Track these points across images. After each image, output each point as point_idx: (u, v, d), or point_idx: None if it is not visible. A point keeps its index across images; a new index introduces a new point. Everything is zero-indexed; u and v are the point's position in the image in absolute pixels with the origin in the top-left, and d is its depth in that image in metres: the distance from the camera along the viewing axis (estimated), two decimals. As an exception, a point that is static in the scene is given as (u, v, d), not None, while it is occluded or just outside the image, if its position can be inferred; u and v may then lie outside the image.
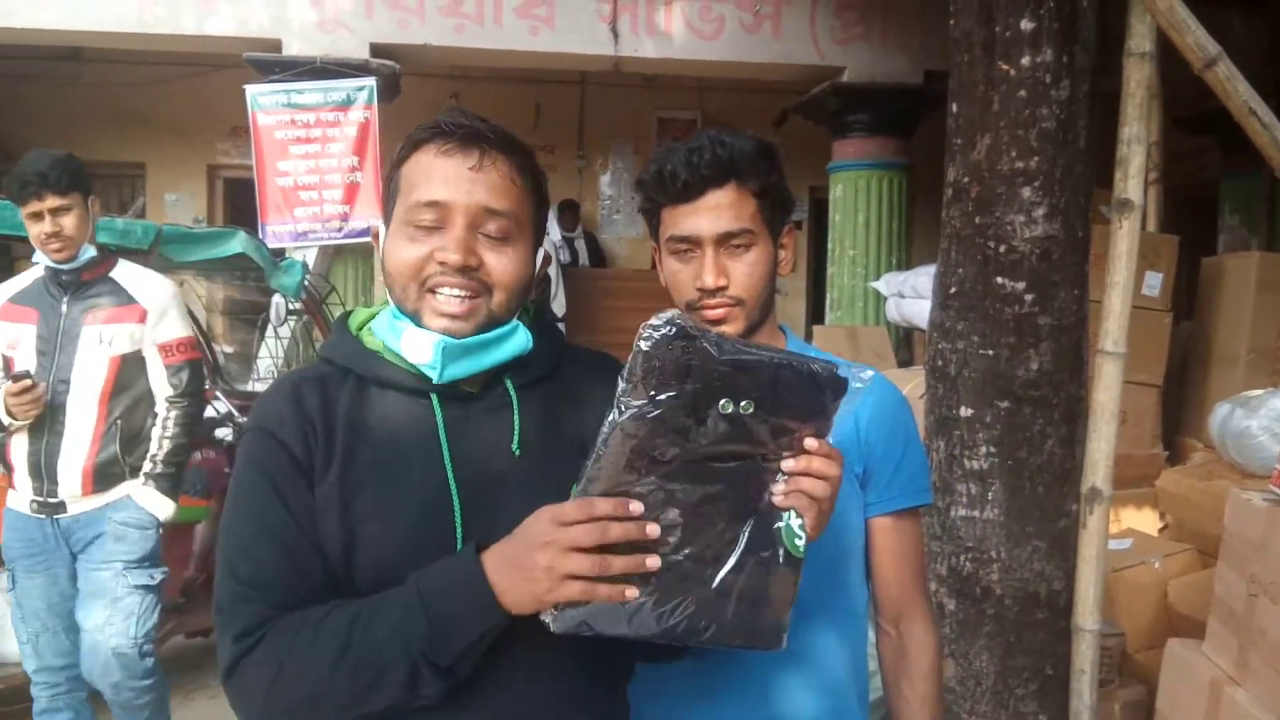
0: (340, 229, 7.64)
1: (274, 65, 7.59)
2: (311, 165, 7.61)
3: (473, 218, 1.30)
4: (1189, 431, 5.70)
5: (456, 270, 1.29)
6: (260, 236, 7.62)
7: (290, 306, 5.62)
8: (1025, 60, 2.84)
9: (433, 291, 1.31)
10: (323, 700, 1.22)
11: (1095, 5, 2.89)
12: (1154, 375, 5.40)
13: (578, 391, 1.44)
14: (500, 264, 1.32)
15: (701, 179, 1.56)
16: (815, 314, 11.03)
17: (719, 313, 1.60)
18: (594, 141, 11.69)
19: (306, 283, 5.37)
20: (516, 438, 1.37)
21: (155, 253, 4.50)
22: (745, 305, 1.61)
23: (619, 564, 1.14)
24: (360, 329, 1.44)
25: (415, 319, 1.33)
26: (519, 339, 1.38)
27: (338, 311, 7.80)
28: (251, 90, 7.55)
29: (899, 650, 1.69)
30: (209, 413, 5.36)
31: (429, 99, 10.67)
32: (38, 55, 10.03)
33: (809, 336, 8.98)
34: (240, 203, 10.52)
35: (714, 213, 1.58)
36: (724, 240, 1.58)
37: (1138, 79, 2.95)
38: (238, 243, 4.83)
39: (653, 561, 1.15)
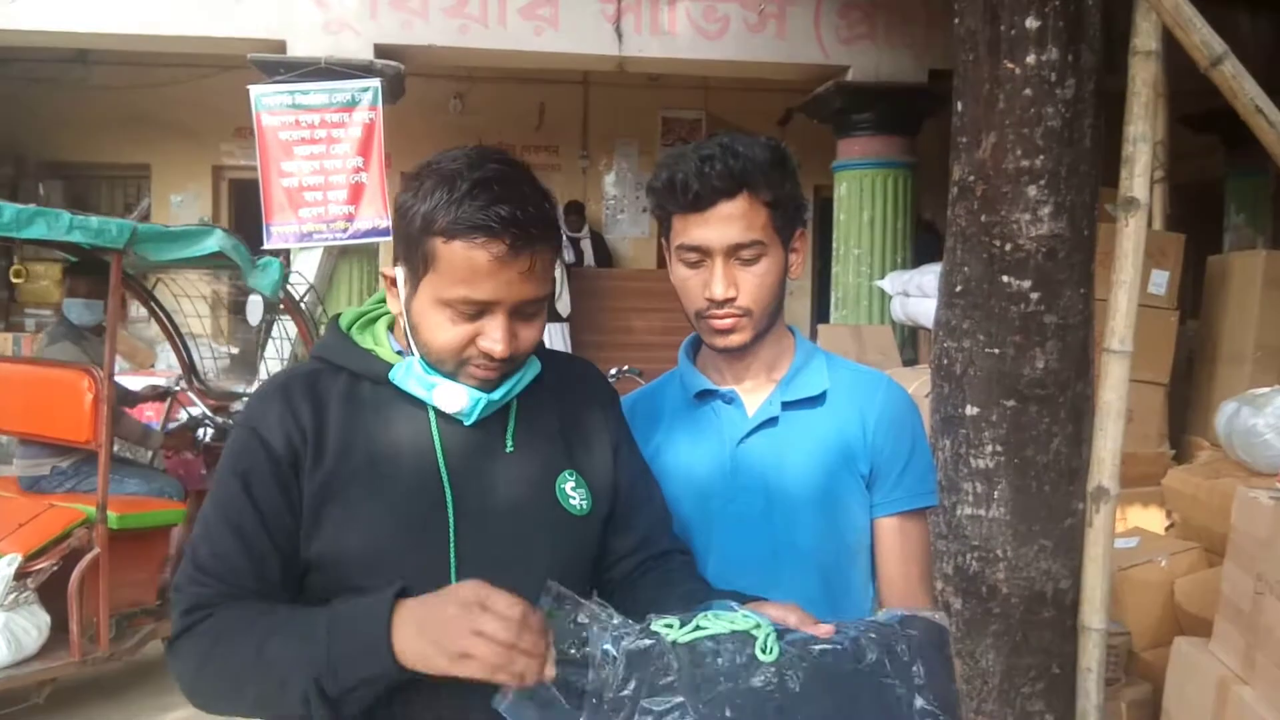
0: (345, 230, 7.64)
1: (279, 66, 7.60)
2: (316, 166, 7.62)
3: (514, 308, 1.33)
4: (1195, 430, 5.70)
5: (498, 357, 1.33)
6: (265, 237, 7.66)
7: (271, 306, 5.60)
8: (1030, 59, 2.84)
9: (471, 364, 1.35)
10: (239, 691, 1.27)
11: (1100, 3, 2.89)
12: (1160, 374, 5.39)
13: (560, 394, 1.51)
14: (531, 334, 1.37)
15: (713, 190, 1.54)
16: (820, 313, 11.02)
17: (727, 323, 1.60)
18: (598, 141, 11.70)
19: (286, 283, 5.31)
20: (510, 433, 1.42)
21: (130, 251, 4.50)
22: (753, 316, 1.60)
23: (520, 664, 1.15)
24: (350, 328, 1.47)
25: (449, 376, 1.37)
26: (532, 369, 1.45)
27: (320, 311, 7.83)
28: (256, 91, 7.56)
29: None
30: (183, 415, 5.38)
31: (433, 99, 10.69)
32: (45, 58, 10.06)
33: (814, 335, 8.98)
34: (245, 204, 10.55)
35: (725, 223, 1.56)
36: (734, 251, 1.57)
37: (1143, 77, 2.95)
38: (214, 241, 4.74)
39: (549, 672, 1.16)
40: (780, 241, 1.61)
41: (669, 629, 1.20)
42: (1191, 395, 5.89)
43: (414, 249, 1.32)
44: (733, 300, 1.58)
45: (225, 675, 1.27)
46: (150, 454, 5.47)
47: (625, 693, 1.14)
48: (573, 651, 1.19)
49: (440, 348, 1.34)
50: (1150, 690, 3.54)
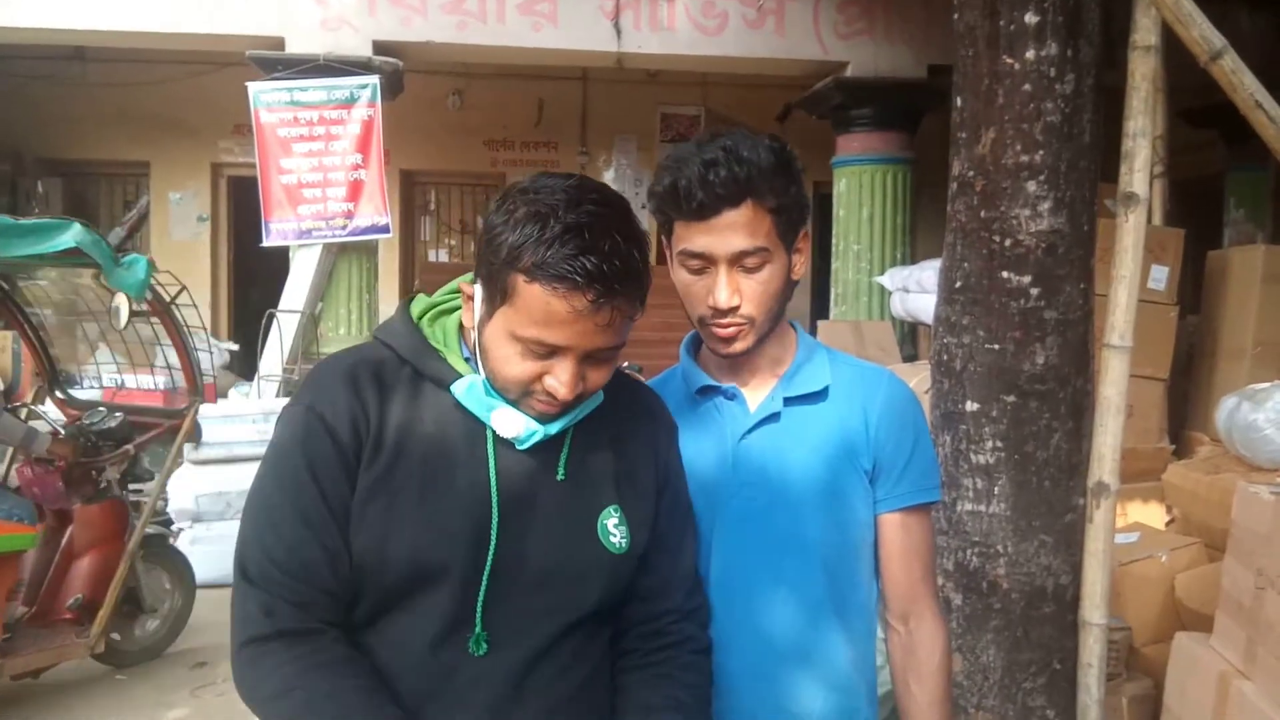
0: (344, 227, 7.64)
1: (277, 63, 7.60)
2: (315, 163, 7.61)
3: (588, 354, 1.32)
4: (1195, 425, 5.70)
5: (561, 399, 1.32)
6: (265, 234, 7.65)
7: (135, 308, 5.15)
8: (1030, 54, 2.83)
9: (536, 400, 1.34)
10: None
11: (1100, -2, 2.89)
12: (1160, 369, 5.39)
13: (619, 425, 1.49)
14: (599, 378, 1.36)
15: (717, 198, 1.51)
16: (820, 309, 11.02)
17: (730, 331, 1.58)
18: (597, 137, 11.70)
19: (153, 281, 4.96)
20: (564, 462, 1.40)
21: None
22: (756, 322, 1.59)
23: None
24: (421, 318, 1.45)
25: (511, 403, 1.35)
26: (594, 401, 1.43)
27: (319, 308, 7.82)
28: (254, 88, 7.56)
29: (907, 647, 1.69)
30: (42, 425, 5.04)
31: (432, 96, 10.68)
32: (43, 55, 10.05)
33: (813, 331, 8.98)
34: (244, 201, 10.54)
35: (728, 232, 1.53)
36: (738, 259, 1.55)
37: (1143, 72, 2.95)
38: (71, 236, 4.38)
39: None
40: (784, 246, 1.59)
41: None
42: (1191, 390, 5.89)
43: (495, 277, 1.30)
44: (736, 309, 1.56)
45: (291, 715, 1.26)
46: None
47: None
48: None
49: (507, 378, 1.32)
50: (1151, 685, 3.54)
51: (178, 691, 4.57)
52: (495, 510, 1.33)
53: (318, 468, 1.30)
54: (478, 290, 1.35)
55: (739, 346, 1.60)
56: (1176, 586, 3.78)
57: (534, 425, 1.34)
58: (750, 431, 1.64)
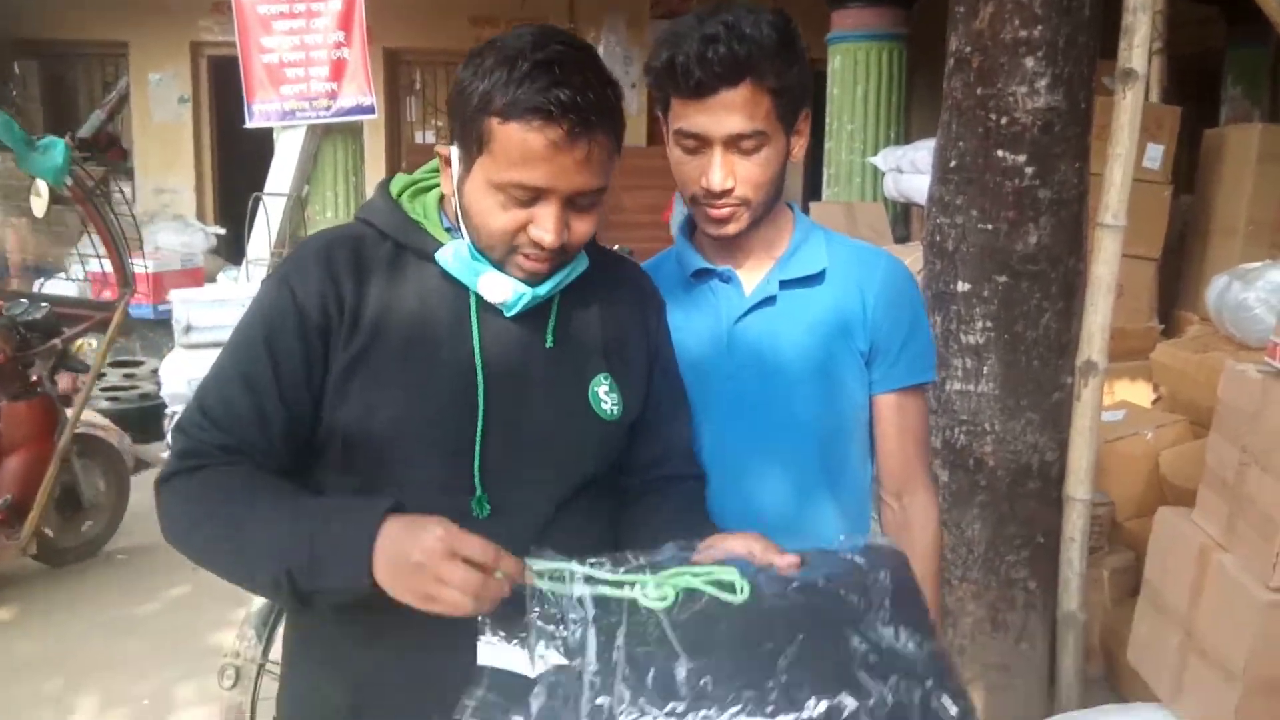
0: (328, 107, 7.49)
1: (255, -64, 7.36)
2: (296, 41, 7.42)
3: (570, 198, 1.30)
4: (1185, 304, 5.72)
5: (548, 247, 1.30)
6: (248, 116, 7.51)
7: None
8: (1031, -77, 2.76)
9: (521, 253, 1.32)
10: (211, 553, 1.30)
11: None
12: (1152, 248, 5.39)
13: (607, 298, 1.48)
14: (585, 228, 1.34)
15: (715, 76, 1.46)
16: (813, 190, 10.93)
17: (723, 213, 1.56)
18: (586, 14, 11.41)
19: (73, 167, 4.67)
20: (552, 329, 1.40)
21: None
22: (751, 205, 1.56)
23: (486, 607, 1.15)
24: (401, 195, 1.43)
25: (495, 264, 1.34)
26: (580, 265, 1.42)
27: (306, 191, 7.71)
28: (233, -37, 7.34)
29: (901, 524, 1.71)
30: None
31: None
32: (11, -72, 9.72)
33: (806, 213, 8.89)
34: (226, 82, 10.31)
35: (725, 113, 1.48)
36: (734, 140, 1.51)
37: (1146, -58, 2.87)
38: None
39: (495, 594, 1.14)
40: (783, 129, 1.55)
41: (644, 590, 1.18)
42: (1183, 270, 5.90)
43: (469, 128, 1.28)
44: (730, 191, 1.53)
45: (202, 533, 1.29)
46: None
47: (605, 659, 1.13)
48: (552, 623, 1.17)
49: (491, 233, 1.30)
50: (1132, 558, 3.62)
51: (180, 570, 4.61)
52: (481, 377, 1.33)
53: (275, 339, 1.31)
54: (454, 151, 1.33)
55: (731, 229, 1.58)
56: (1161, 463, 3.84)
57: (522, 288, 1.33)
58: (745, 315, 1.63)
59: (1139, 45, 2.91)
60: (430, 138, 11.86)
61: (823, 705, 1.07)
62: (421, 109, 11.99)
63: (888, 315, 1.64)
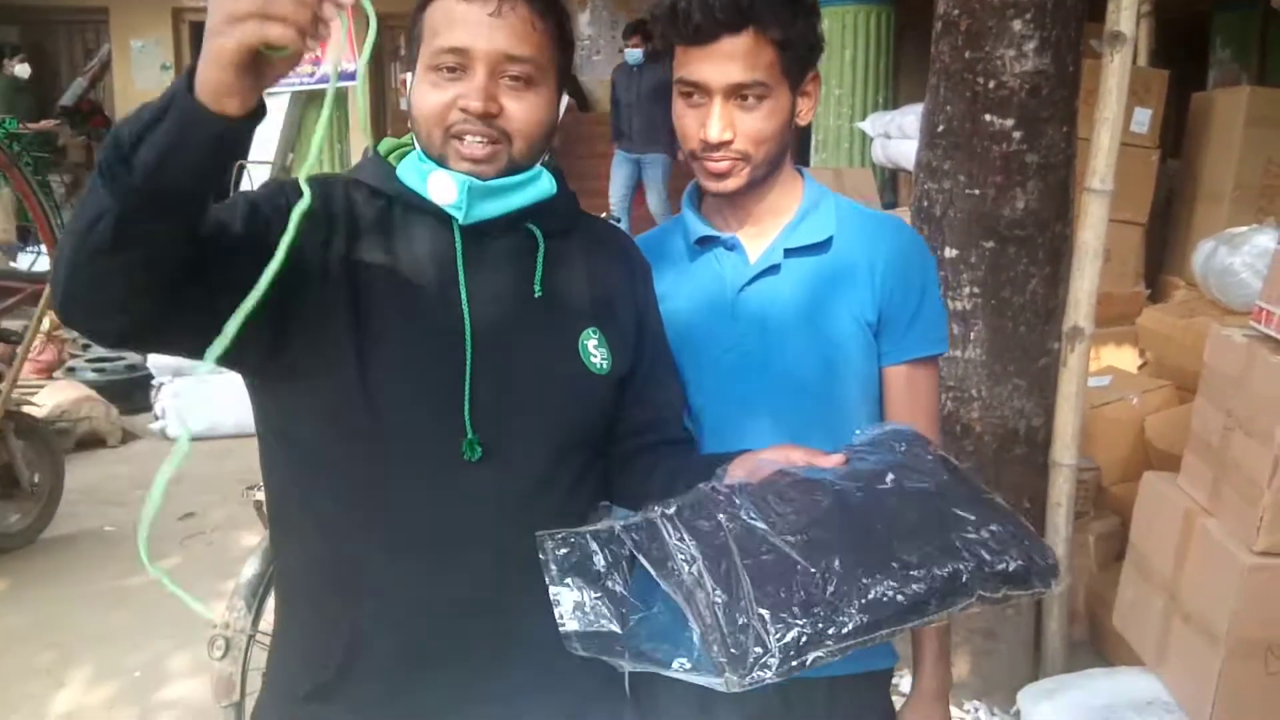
0: (311, 74, 7.45)
1: (236, -100, 7.26)
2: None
3: (493, 64, 1.30)
4: (1172, 269, 5.73)
5: (478, 117, 1.30)
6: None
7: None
8: (1019, -116, 2.74)
9: (457, 137, 1.32)
10: (68, 240, 1.12)
11: None
12: (1139, 213, 5.39)
13: (593, 258, 1.48)
14: (521, 110, 1.33)
15: (715, 23, 1.43)
16: (800, 155, 10.88)
17: (722, 165, 1.52)
18: (573, -22, 11.34)
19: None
20: (539, 278, 1.39)
21: None
22: (751, 160, 1.52)
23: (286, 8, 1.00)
24: (388, 155, 1.44)
25: (441, 163, 1.34)
26: (543, 184, 1.40)
27: (290, 159, 7.68)
28: (213, -73, 7.24)
29: None
30: None
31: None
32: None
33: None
34: (209, 48, 10.22)
35: (726, 61, 1.45)
36: (734, 91, 1.47)
37: (1135, -96, 2.85)
38: None
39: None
40: (787, 84, 1.50)
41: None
42: (1169, 234, 5.90)
43: (412, 32, 1.35)
44: (729, 143, 1.50)
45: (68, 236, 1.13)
46: None
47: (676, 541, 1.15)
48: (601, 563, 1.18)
49: (426, 114, 1.32)
50: (1118, 523, 3.64)
51: (167, 541, 4.63)
52: (468, 322, 1.33)
53: (257, 200, 1.28)
54: (408, 78, 1.38)
55: (730, 184, 1.54)
56: (1146, 428, 3.86)
57: (464, 179, 1.32)
58: (750, 283, 1.59)
59: (1127, 8, 2.89)
60: (416, 104, 11.77)
61: (945, 571, 1.12)
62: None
63: (897, 285, 1.59)
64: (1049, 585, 1.19)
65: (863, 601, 1.08)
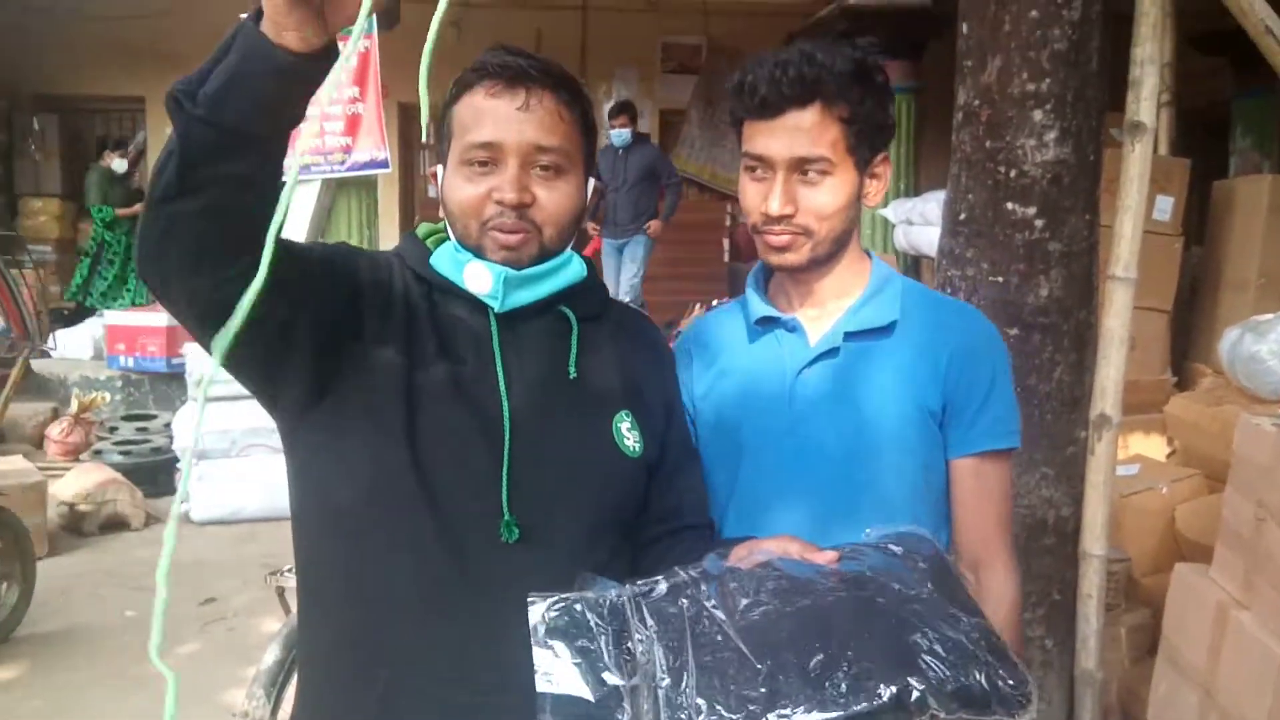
0: (343, 162, 7.56)
1: (272, -5, 7.46)
2: (312, 97, 7.51)
3: (524, 156, 1.34)
4: (1198, 357, 5.69)
5: (513, 208, 1.34)
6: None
7: None
8: (1037, -20, 2.78)
9: (492, 228, 1.36)
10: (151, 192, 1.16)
11: (1108, -78, 2.83)
12: (1164, 301, 5.38)
13: (624, 346, 1.51)
14: (552, 198, 1.37)
15: (780, 97, 1.45)
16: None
17: (783, 239, 1.51)
18: (597, 69, 11.54)
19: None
20: (573, 360, 1.42)
21: None
22: (813, 236, 1.51)
23: None
24: (426, 239, 1.48)
25: (476, 253, 1.38)
26: (574, 268, 1.45)
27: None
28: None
29: (975, 596, 1.62)
30: None
31: (430, 27, 10.52)
32: (36, -12, 9.91)
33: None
34: (242, 136, 10.43)
35: (790, 135, 1.46)
36: (797, 165, 1.48)
37: (1152, -2, 2.89)
38: None
39: None
40: (853, 162, 1.50)
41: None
42: (1195, 322, 5.88)
43: (442, 128, 1.40)
44: (789, 217, 1.49)
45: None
46: None
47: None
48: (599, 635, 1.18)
49: (463, 209, 1.36)
50: (1149, 615, 3.57)
51: (187, 627, 4.61)
52: (505, 404, 1.35)
53: (331, 252, 1.38)
54: (439, 170, 1.43)
55: (791, 258, 1.52)
56: (1176, 518, 3.80)
57: (500, 270, 1.36)
58: (808, 366, 1.57)
59: (1147, 98, 2.92)
60: (443, 191, 11.97)
61: (891, 691, 1.08)
62: (435, 162, 12.11)
63: (965, 374, 1.56)
64: (1013, 714, 1.13)
65: (801, 707, 1.07)
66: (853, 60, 1.49)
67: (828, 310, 1.60)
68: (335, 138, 7.53)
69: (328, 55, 1.12)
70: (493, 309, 1.38)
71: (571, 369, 1.41)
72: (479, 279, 1.37)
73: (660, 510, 1.50)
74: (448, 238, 1.46)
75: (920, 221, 7.13)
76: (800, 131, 1.46)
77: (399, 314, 1.37)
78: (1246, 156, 8.85)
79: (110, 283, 9.98)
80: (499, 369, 1.36)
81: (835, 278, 1.60)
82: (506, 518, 1.32)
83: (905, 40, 8.20)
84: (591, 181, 1.47)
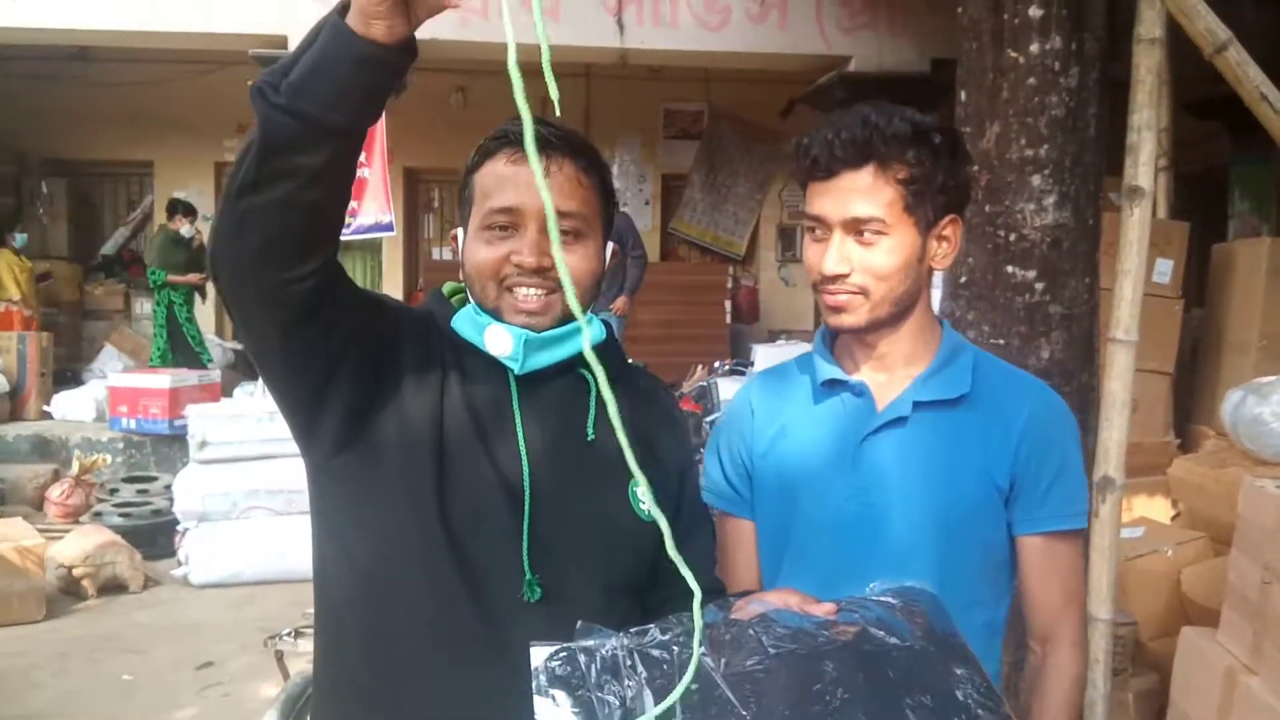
0: (348, 225, 7.62)
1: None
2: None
3: (543, 220, 1.33)
4: (1201, 419, 5.69)
5: (531, 272, 1.36)
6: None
7: None
8: (1034, 47, 2.83)
9: (511, 290, 1.38)
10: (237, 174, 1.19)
11: (1104, -9, 2.88)
12: (1165, 363, 5.39)
13: (639, 410, 1.51)
14: (570, 262, 1.37)
15: (834, 159, 1.46)
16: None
17: (839, 299, 1.51)
18: (601, 134, 11.66)
19: None
20: (592, 421, 1.43)
21: None
22: (871, 297, 1.49)
23: None
24: (451, 296, 1.52)
25: (496, 316, 1.39)
26: (593, 330, 1.44)
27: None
28: (257, 87, 7.54)
29: (1037, 670, 1.61)
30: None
31: (435, 93, 10.67)
32: (46, 55, 10.05)
33: (818, 327, 8.92)
34: (248, 200, 10.52)
35: (844, 196, 1.47)
36: (851, 226, 1.47)
37: (1147, 65, 2.94)
38: None
39: None
40: (912, 223, 1.49)
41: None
42: (1197, 384, 5.88)
43: (464, 194, 1.43)
44: (845, 277, 1.49)
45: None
46: None
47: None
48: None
49: (481, 272, 1.38)
50: (1157, 680, 3.53)
51: (184, 691, 4.56)
52: (525, 464, 1.36)
53: (382, 301, 1.40)
54: (459, 232, 1.45)
55: (848, 319, 1.52)
56: (1182, 581, 3.77)
57: (521, 332, 1.37)
58: (874, 433, 1.55)
59: (1144, 163, 2.95)
60: (447, 254, 12.04)
61: None
62: (439, 226, 12.20)
63: (1035, 452, 1.53)
64: None
65: None
66: (910, 122, 1.48)
67: (895, 376, 1.58)
68: (341, 201, 7.59)
69: (410, 47, 1.15)
70: (513, 371, 1.39)
71: (590, 431, 1.43)
72: (499, 341, 1.38)
73: (671, 572, 1.50)
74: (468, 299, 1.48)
75: (921, 284, 7.16)
76: (854, 192, 1.47)
77: (434, 369, 1.38)
78: (1245, 220, 8.92)
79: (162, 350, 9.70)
80: (519, 430, 1.38)
81: (903, 342, 1.57)
82: (529, 577, 1.33)
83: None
84: (610, 245, 1.49)
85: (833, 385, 1.60)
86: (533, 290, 1.37)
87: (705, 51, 8.25)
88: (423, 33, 1.18)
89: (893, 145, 1.46)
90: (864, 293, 1.49)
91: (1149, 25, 2.93)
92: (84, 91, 10.75)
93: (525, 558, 1.33)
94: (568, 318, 1.40)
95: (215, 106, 10.47)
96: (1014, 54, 2.85)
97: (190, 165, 11.32)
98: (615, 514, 1.42)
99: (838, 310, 1.52)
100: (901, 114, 1.49)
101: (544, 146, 1.34)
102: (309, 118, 1.11)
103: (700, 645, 1.16)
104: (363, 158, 7.96)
